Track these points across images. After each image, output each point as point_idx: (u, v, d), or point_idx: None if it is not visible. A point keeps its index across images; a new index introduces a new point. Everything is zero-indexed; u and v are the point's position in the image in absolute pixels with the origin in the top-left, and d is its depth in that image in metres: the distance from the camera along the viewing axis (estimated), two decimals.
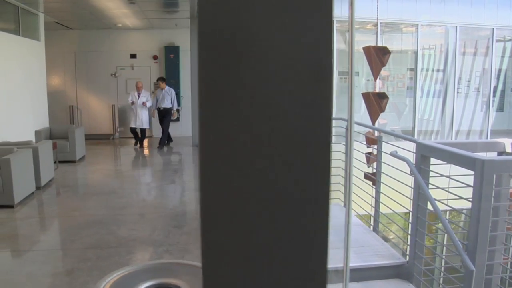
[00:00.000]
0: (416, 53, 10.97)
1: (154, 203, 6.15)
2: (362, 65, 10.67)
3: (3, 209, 5.69)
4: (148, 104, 10.54)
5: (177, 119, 12.43)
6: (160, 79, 10.69)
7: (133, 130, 10.77)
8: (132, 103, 10.44)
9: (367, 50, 9.00)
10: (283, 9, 0.56)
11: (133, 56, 12.25)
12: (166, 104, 10.49)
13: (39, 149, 6.74)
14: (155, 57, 12.30)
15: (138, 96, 10.45)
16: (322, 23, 0.56)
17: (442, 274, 4.39)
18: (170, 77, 12.22)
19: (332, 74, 0.58)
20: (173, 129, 12.43)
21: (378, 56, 7.69)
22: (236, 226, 0.60)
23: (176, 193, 6.88)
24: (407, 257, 4.22)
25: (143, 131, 10.79)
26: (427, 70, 11.33)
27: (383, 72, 11.86)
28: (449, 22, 10.91)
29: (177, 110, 11.75)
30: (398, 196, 4.67)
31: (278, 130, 0.58)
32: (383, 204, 6.33)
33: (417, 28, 10.77)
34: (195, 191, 6.82)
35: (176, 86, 12.25)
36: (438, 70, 11.50)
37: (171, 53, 12.15)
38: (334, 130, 8.20)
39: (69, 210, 5.83)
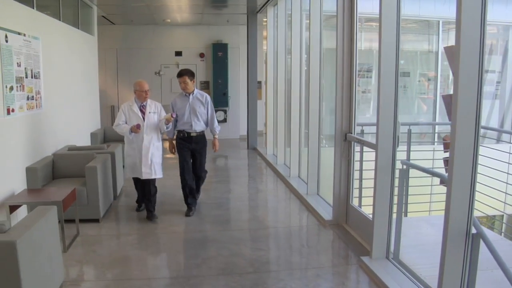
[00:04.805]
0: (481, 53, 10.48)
1: (256, 216, 5.43)
2: (414, 66, 10.22)
3: (88, 224, 4.96)
4: (168, 127, 5.18)
5: (224, 120, 11.71)
6: (187, 72, 5.25)
7: (136, 182, 5.39)
8: (135, 129, 4.96)
9: (449, 49, 8.24)
10: None
11: (178, 53, 11.54)
12: (199, 125, 5.32)
13: (115, 154, 6.04)
14: (201, 55, 11.58)
15: (143, 112, 5.14)
16: None
17: None
18: (218, 77, 11.53)
19: None
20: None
21: None
22: None
23: (272, 203, 6.16)
24: None
25: (152, 183, 5.22)
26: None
27: (430, 72, 11.32)
28: (505, 21, 10.33)
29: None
30: None
31: None
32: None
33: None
34: (289, 200, 6.09)
35: (223, 86, 11.55)
36: (492, 71, 11.01)
37: (219, 51, 11.43)
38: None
39: (165, 225, 5.09)
